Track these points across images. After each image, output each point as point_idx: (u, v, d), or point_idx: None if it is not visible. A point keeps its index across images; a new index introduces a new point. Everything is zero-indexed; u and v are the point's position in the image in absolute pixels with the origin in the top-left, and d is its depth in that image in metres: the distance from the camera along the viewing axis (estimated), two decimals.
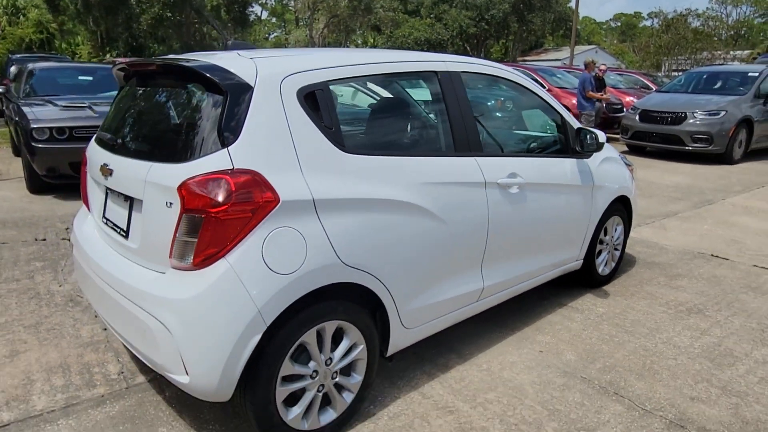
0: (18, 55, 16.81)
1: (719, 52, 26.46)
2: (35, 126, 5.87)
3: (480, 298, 2.81)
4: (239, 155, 1.89)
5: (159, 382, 2.61)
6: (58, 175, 6.03)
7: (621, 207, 3.84)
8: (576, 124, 3.37)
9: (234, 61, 2.08)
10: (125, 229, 2.20)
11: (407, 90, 2.91)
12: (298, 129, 2.03)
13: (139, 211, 2.10)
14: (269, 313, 1.89)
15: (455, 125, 2.62)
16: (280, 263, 1.90)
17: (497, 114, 3.36)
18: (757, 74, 9.90)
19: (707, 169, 8.89)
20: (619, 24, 74.12)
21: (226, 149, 1.90)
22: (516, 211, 2.84)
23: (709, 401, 2.53)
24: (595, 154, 3.43)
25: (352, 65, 2.32)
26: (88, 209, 2.70)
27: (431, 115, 2.74)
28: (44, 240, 4.66)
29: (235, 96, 1.95)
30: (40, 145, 5.83)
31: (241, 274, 1.84)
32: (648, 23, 77.76)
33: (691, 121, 9.36)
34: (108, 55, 26.01)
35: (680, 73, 15.36)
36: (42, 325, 3.16)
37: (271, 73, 2.04)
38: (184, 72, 2.19)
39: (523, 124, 3.46)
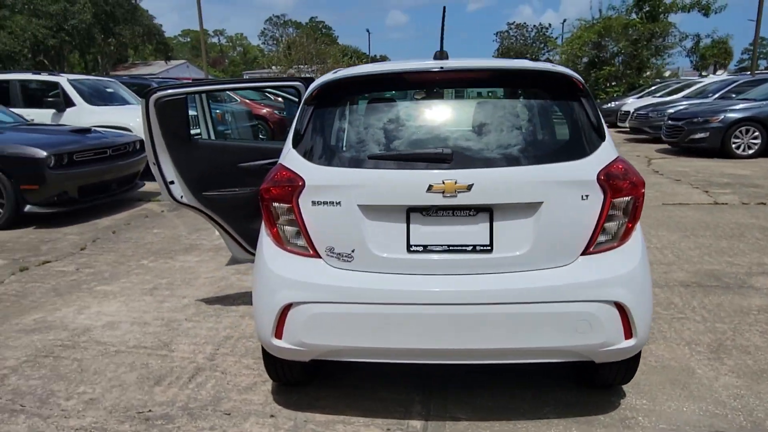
0: None
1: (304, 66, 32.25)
2: None
3: None
4: (612, 144, 2.17)
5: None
6: None
7: None
8: None
9: (551, 65, 2.34)
10: (487, 243, 2.08)
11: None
12: None
13: (521, 217, 2.07)
14: None
15: None
16: None
17: None
18: None
19: None
20: (189, 39, 77.17)
21: (606, 140, 2.14)
22: None
23: None
24: None
25: None
26: (294, 252, 2.18)
27: None
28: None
29: (586, 94, 2.22)
30: None
31: (641, 236, 2.19)
32: (215, 40, 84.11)
33: None
34: None
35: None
36: None
37: None
38: (526, 77, 2.35)
39: None
